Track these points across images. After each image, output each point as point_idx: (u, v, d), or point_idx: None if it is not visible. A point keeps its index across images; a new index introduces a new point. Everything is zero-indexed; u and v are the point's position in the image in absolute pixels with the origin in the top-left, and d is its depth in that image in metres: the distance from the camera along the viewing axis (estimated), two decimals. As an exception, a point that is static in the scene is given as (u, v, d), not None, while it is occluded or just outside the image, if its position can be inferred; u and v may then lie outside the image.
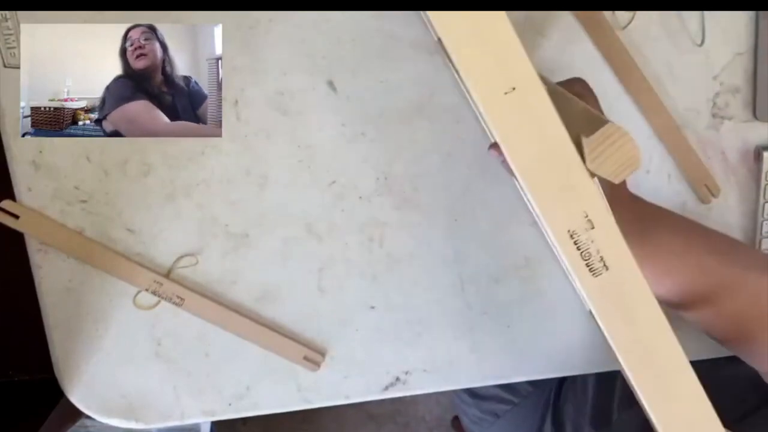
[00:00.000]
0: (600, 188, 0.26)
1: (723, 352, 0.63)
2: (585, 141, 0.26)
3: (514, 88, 0.25)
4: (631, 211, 0.49)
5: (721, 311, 0.48)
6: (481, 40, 0.24)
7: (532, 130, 0.26)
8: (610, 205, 0.46)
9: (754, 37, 0.57)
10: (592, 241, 0.27)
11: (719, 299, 0.48)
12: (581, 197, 0.26)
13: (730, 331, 0.49)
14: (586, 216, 0.26)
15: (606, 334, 0.28)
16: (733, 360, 0.63)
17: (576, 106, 0.31)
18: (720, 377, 0.63)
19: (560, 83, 0.48)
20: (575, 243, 0.27)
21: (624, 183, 0.49)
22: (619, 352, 0.28)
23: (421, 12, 0.25)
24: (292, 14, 0.53)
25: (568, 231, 0.26)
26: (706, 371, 0.63)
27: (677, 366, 0.28)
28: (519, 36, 0.25)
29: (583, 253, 0.27)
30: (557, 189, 0.26)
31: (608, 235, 0.27)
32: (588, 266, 0.27)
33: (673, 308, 0.51)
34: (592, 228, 0.26)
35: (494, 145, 0.48)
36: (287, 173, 0.56)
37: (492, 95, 0.25)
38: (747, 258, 0.49)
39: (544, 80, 0.40)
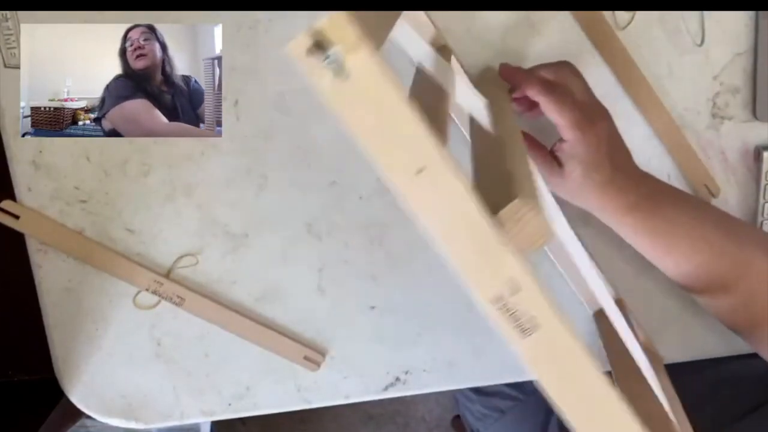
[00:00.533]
0: (522, 254, 0.27)
1: (726, 352, 0.63)
2: (498, 215, 0.27)
3: (423, 168, 0.26)
4: (644, 186, 0.50)
5: (733, 296, 0.49)
6: (384, 125, 0.25)
7: (447, 206, 0.27)
8: (620, 183, 0.48)
9: (754, 37, 0.57)
10: (520, 304, 0.28)
11: (730, 284, 0.49)
12: (502, 265, 0.27)
13: (740, 319, 0.50)
14: (510, 281, 0.27)
15: (545, 388, 0.29)
16: (736, 358, 0.63)
17: (504, 173, 0.32)
18: (722, 375, 0.64)
19: (548, 65, 0.50)
20: (502, 307, 0.28)
21: (630, 159, 0.50)
22: (558, 403, 0.29)
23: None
24: (292, 14, 0.53)
25: (494, 297, 0.28)
26: (709, 369, 0.63)
27: (613, 410, 0.29)
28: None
29: (511, 316, 0.28)
30: (477, 260, 0.27)
31: (534, 296, 0.28)
32: (518, 327, 0.28)
33: (688, 292, 0.52)
34: (518, 292, 0.27)
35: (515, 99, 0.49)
36: (287, 173, 0.56)
37: (403, 177, 0.26)
38: (753, 237, 0.50)
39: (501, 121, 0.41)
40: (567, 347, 0.28)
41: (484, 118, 0.45)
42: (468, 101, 0.48)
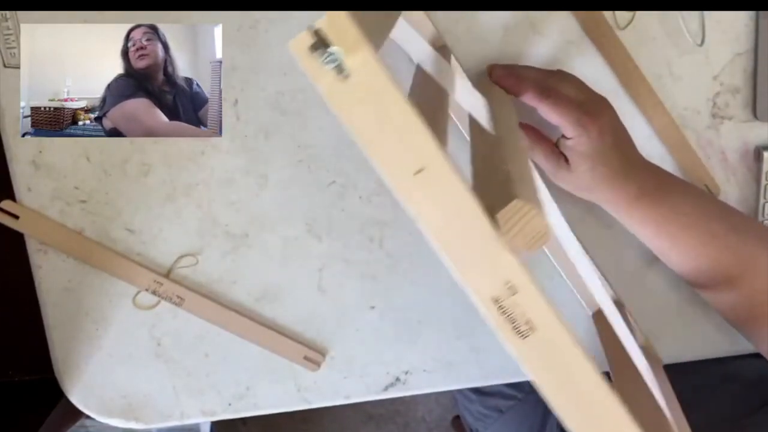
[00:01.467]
0: (520, 256, 0.27)
1: (727, 352, 0.63)
2: (497, 216, 0.27)
3: (422, 169, 0.26)
4: (651, 175, 0.50)
5: (736, 292, 0.49)
6: (384, 125, 0.25)
7: (445, 206, 0.26)
8: (627, 173, 0.48)
9: (754, 37, 0.57)
10: (517, 305, 0.27)
11: (733, 279, 0.48)
12: (500, 267, 0.27)
13: (742, 315, 0.50)
14: (508, 283, 0.27)
15: (541, 390, 0.29)
16: (737, 358, 0.63)
17: (503, 173, 0.32)
18: (724, 375, 0.63)
19: (538, 69, 0.50)
20: (500, 308, 0.27)
21: (635, 148, 0.50)
22: (555, 406, 0.29)
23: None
24: (292, 14, 0.53)
25: (492, 298, 0.27)
26: (710, 370, 0.63)
27: (611, 413, 0.29)
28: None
29: (508, 318, 0.27)
30: (476, 261, 0.27)
31: (532, 298, 0.27)
32: (515, 329, 0.28)
33: (692, 286, 0.52)
34: (515, 293, 0.27)
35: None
36: (287, 173, 0.56)
37: (402, 177, 0.26)
38: (757, 233, 0.50)
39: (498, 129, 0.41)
40: (564, 350, 0.28)
41: (483, 118, 0.45)
42: (467, 101, 0.48)
